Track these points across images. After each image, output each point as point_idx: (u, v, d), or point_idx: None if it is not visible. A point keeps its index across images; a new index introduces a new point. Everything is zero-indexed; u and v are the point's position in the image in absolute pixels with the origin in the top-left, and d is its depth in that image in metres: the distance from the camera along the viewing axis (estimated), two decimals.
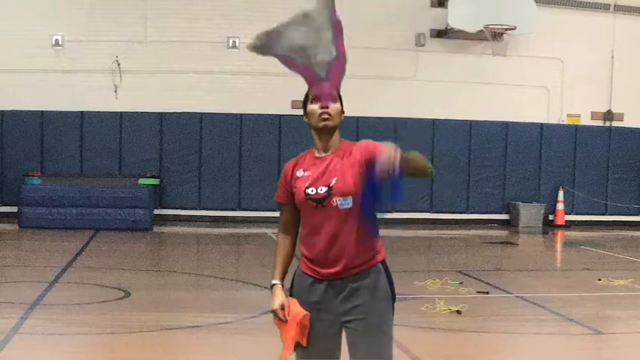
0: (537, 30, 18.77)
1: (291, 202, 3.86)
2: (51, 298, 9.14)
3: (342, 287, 3.76)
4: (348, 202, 3.71)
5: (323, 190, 3.73)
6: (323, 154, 3.82)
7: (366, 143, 3.76)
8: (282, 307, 3.79)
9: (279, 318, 3.79)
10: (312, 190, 3.75)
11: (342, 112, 3.87)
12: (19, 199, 16.92)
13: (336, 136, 3.84)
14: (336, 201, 3.72)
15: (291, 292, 3.90)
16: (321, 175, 3.76)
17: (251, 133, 19.10)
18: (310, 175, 3.78)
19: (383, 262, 3.84)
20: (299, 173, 3.82)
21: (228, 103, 19.01)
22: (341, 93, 3.92)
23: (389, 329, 3.82)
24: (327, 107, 3.78)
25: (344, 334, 3.85)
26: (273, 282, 3.87)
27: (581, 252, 15.44)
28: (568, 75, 20.35)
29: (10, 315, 7.99)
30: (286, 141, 18.90)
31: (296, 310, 3.80)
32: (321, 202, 3.73)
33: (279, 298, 3.82)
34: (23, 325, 7.63)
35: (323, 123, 3.78)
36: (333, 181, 3.72)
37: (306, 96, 3.87)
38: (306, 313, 3.77)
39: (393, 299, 3.86)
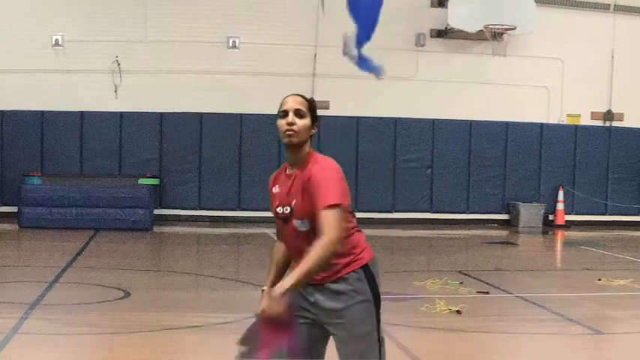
0: (537, 30, 18.77)
1: None
2: (51, 298, 9.14)
3: (323, 291, 3.82)
4: (305, 225, 3.78)
5: (287, 210, 3.85)
6: (291, 170, 3.89)
7: (313, 175, 3.71)
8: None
9: (262, 322, 3.80)
10: (280, 209, 3.89)
11: (313, 127, 3.85)
12: (19, 199, 16.92)
13: (304, 150, 3.84)
14: (295, 223, 3.82)
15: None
16: (286, 194, 3.86)
17: (251, 133, 19.10)
18: (280, 193, 3.91)
19: (365, 266, 3.83)
20: (274, 189, 3.96)
21: (228, 103, 19.01)
22: (315, 106, 3.94)
23: (372, 332, 3.82)
24: (294, 124, 3.80)
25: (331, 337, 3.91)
26: (263, 287, 3.96)
27: (581, 252, 15.44)
28: (568, 75, 20.35)
29: (10, 315, 7.99)
30: None
31: (282, 321, 3.78)
32: (286, 221, 3.87)
33: (263, 302, 3.82)
34: (23, 325, 7.63)
35: (287, 139, 3.82)
36: (293, 203, 3.82)
37: (279, 109, 3.93)
38: (294, 324, 3.76)
39: (377, 302, 3.85)
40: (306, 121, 3.83)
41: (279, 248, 4.07)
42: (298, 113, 3.81)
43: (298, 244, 3.81)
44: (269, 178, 4.06)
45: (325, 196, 3.64)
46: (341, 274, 3.79)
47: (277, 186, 3.93)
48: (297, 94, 3.92)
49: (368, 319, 3.81)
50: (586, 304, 9.66)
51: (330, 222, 3.60)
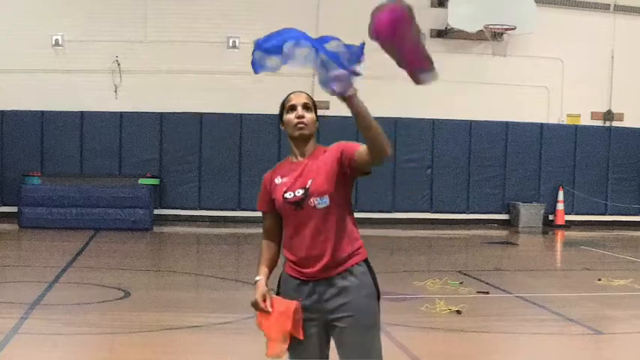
0: (537, 30, 18.76)
1: (273, 210, 4.03)
2: (51, 298, 9.14)
3: (328, 286, 3.83)
4: (325, 201, 3.83)
5: (300, 192, 3.87)
6: (298, 160, 3.97)
7: (341, 142, 3.91)
8: (264, 299, 3.87)
9: (262, 309, 3.85)
10: (290, 195, 3.89)
11: (317, 120, 4.01)
12: (19, 199, 16.92)
13: (312, 142, 3.98)
14: (314, 201, 3.84)
15: (277, 294, 3.97)
16: (298, 177, 3.90)
17: (251, 133, 19.11)
18: (287, 181, 3.93)
19: (366, 260, 3.92)
20: (277, 180, 3.99)
21: (228, 103, 19.01)
22: (316, 103, 4.07)
23: (376, 326, 3.90)
24: (303, 117, 3.93)
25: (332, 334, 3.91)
26: (257, 278, 3.97)
27: (581, 252, 15.45)
28: (568, 75, 20.34)
29: (10, 315, 7.99)
30: (286, 141, 18.58)
31: (284, 303, 3.86)
32: (299, 204, 3.86)
33: (260, 290, 3.89)
34: (23, 325, 7.63)
35: (299, 132, 3.93)
36: (309, 183, 3.86)
37: (282, 106, 4.04)
38: (298, 302, 3.82)
39: (378, 296, 3.92)
40: (312, 115, 3.99)
41: (269, 247, 4.09)
42: (306, 107, 3.97)
43: (315, 225, 3.82)
44: (263, 178, 4.10)
45: (355, 144, 3.82)
46: (346, 266, 3.83)
47: (279, 177, 3.98)
48: (301, 91, 4.08)
49: (373, 313, 3.87)
50: (586, 304, 9.66)
51: None
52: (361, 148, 3.72)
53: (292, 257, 3.92)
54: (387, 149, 3.64)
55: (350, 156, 3.76)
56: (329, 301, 3.83)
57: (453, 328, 8.13)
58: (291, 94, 4.07)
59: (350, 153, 3.77)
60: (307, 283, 3.87)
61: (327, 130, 18.48)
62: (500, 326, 8.51)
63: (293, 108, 3.97)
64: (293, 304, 3.81)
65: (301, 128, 3.93)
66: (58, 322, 7.91)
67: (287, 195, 3.89)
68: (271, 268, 4.05)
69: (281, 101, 4.08)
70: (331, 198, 3.82)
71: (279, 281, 4.00)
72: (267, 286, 3.93)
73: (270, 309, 3.84)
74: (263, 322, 3.88)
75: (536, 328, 8.32)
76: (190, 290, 10.64)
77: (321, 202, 3.83)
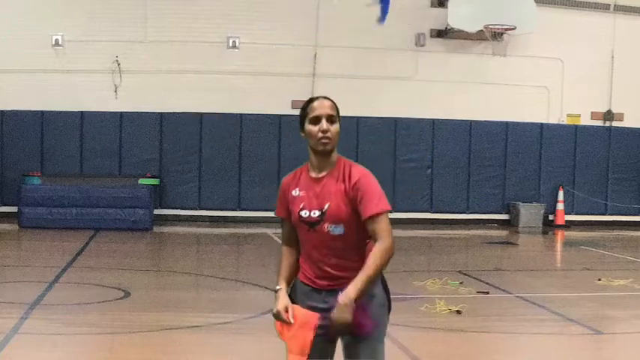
0: (537, 30, 18.77)
1: (290, 217, 3.90)
2: (51, 298, 9.14)
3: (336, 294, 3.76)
4: (339, 229, 3.74)
5: (316, 214, 3.76)
6: (319, 174, 3.80)
7: (364, 185, 3.69)
8: (287, 310, 3.80)
9: (283, 320, 3.79)
10: (305, 213, 3.78)
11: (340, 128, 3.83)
12: (19, 199, 16.92)
13: (334, 154, 3.81)
14: (328, 227, 3.75)
15: (291, 299, 3.93)
16: (315, 197, 3.77)
17: (251, 133, 19.11)
18: (304, 196, 3.80)
19: None
20: (294, 192, 3.84)
21: (228, 103, 19.01)
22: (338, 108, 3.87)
23: (382, 335, 3.85)
24: (328, 131, 3.72)
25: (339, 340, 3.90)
26: (278, 287, 3.89)
27: (581, 252, 15.44)
28: (568, 75, 20.35)
29: (10, 315, 7.99)
30: (286, 141, 18.90)
31: (306, 315, 3.81)
32: (314, 225, 3.77)
33: (282, 300, 3.83)
34: (23, 325, 7.63)
35: (322, 147, 3.74)
36: (326, 207, 3.74)
37: (304, 113, 3.80)
38: (319, 316, 3.78)
39: (389, 307, 3.89)
40: (337, 126, 3.77)
41: (289, 252, 3.98)
42: (330, 119, 3.74)
43: (328, 247, 3.77)
44: (281, 182, 3.95)
45: (378, 202, 3.66)
46: None
47: (298, 189, 3.83)
48: (325, 98, 3.81)
49: (381, 323, 3.83)
50: (586, 304, 9.66)
51: (385, 227, 3.64)
52: (373, 227, 3.64)
53: (305, 267, 3.88)
54: (389, 258, 3.65)
55: (362, 217, 3.66)
56: (333, 309, 3.73)
57: (453, 328, 8.13)
58: (314, 100, 3.80)
59: (364, 215, 3.65)
60: (320, 291, 3.83)
61: None
62: (500, 326, 8.50)
63: (317, 120, 3.73)
64: (315, 318, 3.77)
65: (325, 144, 3.73)
66: (58, 322, 7.90)
67: (302, 213, 3.78)
68: (292, 275, 3.96)
69: (302, 105, 3.86)
70: (346, 226, 3.73)
71: (292, 285, 3.97)
72: (288, 295, 3.87)
73: (292, 320, 3.78)
74: (285, 333, 3.82)
75: (536, 328, 8.32)
76: (190, 290, 10.64)
77: (336, 230, 3.74)
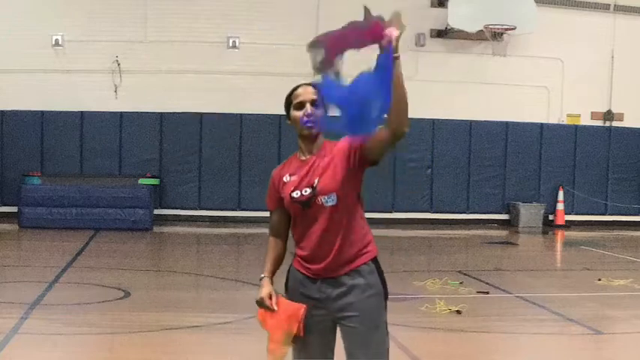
0: (537, 30, 18.77)
1: (281, 207, 3.94)
2: (51, 298, 9.14)
3: (335, 286, 3.81)
4: (332, 199, 3.79)
5: (307, 191, 3.81)
6: (306, 157, 3.89)
7: (350, 138, 3.78)
8: (270, 297, 3.87)
9: (266, 307, 3.84)
10: (297, 194, 3.83)
11: (325, 113, 3.86)
12: (19, 199, 16.92)
13: (320, 138, 3.90)
14: (321, 200, 3.79)
15: (286, 287, 3.97)
16: (305, 176, 3.84)
17: (251, 133, 19.11)
18: (295, 180, 3.86)
19: (374, 259, 3.88)
20: (285, 179, 3.90)
21: (228, 103, 19.01)
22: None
23: (383, 325, 3.86)
24: (312, 115, 3.82)
25: (338, 332, 3.90)
26: (261, 275, 3.98)
27: (581, 252, 15.45)
28: (568, 75, 20.35)
29: (10, 315, 7.99)
30: (286, 141, 18.89)
31: (292, 305, 3.83)
32: (307, 203, 3.81)
33: (266, 287, 3.91)
34: (23, 325, 7.63)
35: (308, 131, 3.84)
36: (316, 181, 3.80)
37: (289, 100, 3.91)
38: (305, 307, 3.80)
39: (386, 296, 3.89)
40: (321, 111, 3.85)
41: (276, 243, 4.03)
42: (314, 103, 3.83)
43: (320, 224, 3.79)
44: (271, 175, 4.00)
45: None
46: (353, 266, 3.80)
47: (288, 175, 3.90)
48: (307, 84, 3.90)
49: (380, 312, 3.84)
50: (586, 304, 9.66)
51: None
52: (374, 138, 3.67)
53: (300, 253, 3.91)
54: (407, 124, 3.76)
55: (360, 144, 3.70)
56: (336, 300, 3.80)
57: (453, 328, 8.13)
58: (297, 87, 3.93)
59: (360, 141, 3.70)
60: (315, 280, 3.85)
61: None
62: (500, 326, 8.50)
63: (301, 105, 3.85)
64: (302, 309, 3.79)
65: (310, 127, 3.83)
66: (58, 322, 7.90)
67: (294, 194, 3.84)
68: (277, 265, 4.03)
69: (287, 94, 3.96)
70: (339, 196, 3.78)
71: (287, 273, 3.99)
72: (272, 284, 3.93)
73: (275, 307, 3.83)
74: (267, 321, 3.86)
75: (536, 328, 8.32)
76: (190, 290, 10.64)
77: (329, 200, 3.78)
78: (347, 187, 3.79)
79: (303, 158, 3.91)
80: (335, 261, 3.79)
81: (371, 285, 3.82)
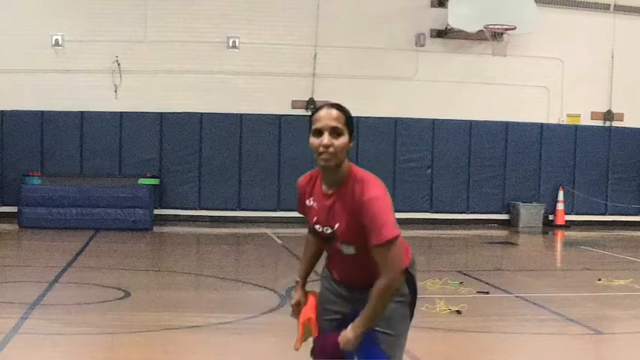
0: (537, 30, 18.77)
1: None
2: (51, 298, 9.13)
3: (364, 293, 3.62)
4: (350, 250, 3.62)
5: (328, 230, 3.62)
6: (328, 191, 3.60)
7: (365, 204, 3.43)
8: (298, 305, 3.93)
9: (295, 314, 4.00)
10: (319, 228, 3.67)
11: (350, 141, 3.51)
12: (19, 199, 16.92)
13: (343, 168, 3.52)
14: (339, 246, 3.64)
15: (321, 280, 4.00)
16: (326, 214, 3.60)
17: (251, 133, 19.11)
18: (317, 210, 3.65)
19: (405, 270, 3.66)
20: (308, 202, 3.69)
21: (228, 103, 19.02)
22: (351, 118, 3.60)
23: (404, 333, 3.78)
24: (330, 146, 3.43)
25: None
26: (297, 279, 4.02)
27: (581, 252, 15.44)
28: (568, 75, 20.35)
29: (10, 315, 7.98)
30: (286, 141, 18.91)
31: (308, 308, 3.95)
32: (327, 240, 3.68)
33: (297, 294, 3.97)
34: (23, 325, 7.63)
35: (324, 163, 3.48)
36: (336, 226, 3.58)
37: (310, 120, 3.56)
38: (311, 317, 3.91)
39: (412, 304, 3.78)
40: (343, 140, 3.46)
41: (314, 242, 3.91)
42: (335, 132, 3.44)
43: (343, 262, 3.72)
44: (298, 182, 3.79)
45: (381, 232, 3.39)
46: None
47: (312, 199, 3.66)
48: (332, 106, 3.52)
49: (402, 319, 3.73)
50: (586, 304, 9.65)
51: (390, 258, 3.42)
52: (377, 257, 3.45)
53: (327, 261, 3.90)
54: (397, 283, 3.54)
55: (370, 243, 3.45)
56: (359, 301, 3.64)
57: (453, 328, 8.13)
58: (321, 109, 3.52)
59: (369, 243, 3.44)
60: (340, 283, 3.82)
61: None
62: (500, 326, 8.50)
63: (319, 133, 3.44)
64: (307, 315, 3.91)
65: (327, 160, 3.44)
66: (58, 322, 7.90)
67: (317, 227, 3.67)
68: (313, 264, 4.01)
69: (310, 113, 3.61)
70: (358, 247, 3.57)
71: (323, 270, 4.00)
72: (304, 288, 3.97)
73: (299, 316, 3.97)
74: (299, 320, 4.01)
75: (536, 328, 8.32)
76: (190, 290, 10.64)
77: (347, 250, 3.62)
78: (366, 239, 3.48)
79: (324, 190, 3.61)
80: (360, 282, 3.66)
81: (399, 294, 3.67)
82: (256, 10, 19.16)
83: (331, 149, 3.43)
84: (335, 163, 3.46)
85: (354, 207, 3.46)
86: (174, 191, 18.94)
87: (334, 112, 3.49)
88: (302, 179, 3.75)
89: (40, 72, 18.41)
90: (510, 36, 18.59)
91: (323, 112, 3.49)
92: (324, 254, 3.95)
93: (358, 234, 3.48)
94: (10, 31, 18.13)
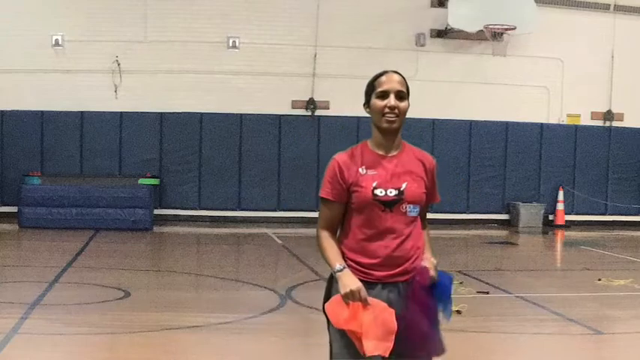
0: (537, 30, 18.77)
1: (343, 200, 3.60)
2: (51, 298, 9.14)
3: (394, 292, 3.61)
4: (416, 210, 3.65)
5: (392, 193, 3.56)
6: (388, 154, 3.62)
7: (435, 167, 3.80)
8: (360, 289, 3.49)
9: (359, 300, 3.45)
10: (381, 192, 3.55)
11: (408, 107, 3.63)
12: (19, 199, 16.92)
13: (400, 134, 3.67)
14: (406, 207, 3.60)
15: (328, 294, 3.64)
16: (390, 176, 3.58)
17: (251, 133, 19.11)
18: (377, 175, 3.57)
19: None
20: (362, 170, 3.57)
21: (228, 103, 19.01)
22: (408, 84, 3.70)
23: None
24: (396, 108, 3.56)
25: None
26: (339, 266, 3.53)
27: (581, 252, 15.44)
28: (568, 75, 20.34)
29: (10, 315, 7.98)
30: (286, 141, 18.91)
31: (380, 302, 3.56)
32: (390, 205, 3.57)
33: (353, 278, 3.50)
34: (23, 325, 7.63)
35: (387, 125, 3.58)
36: (404, 186, 3.59)
37: (371, 86, 3.61)
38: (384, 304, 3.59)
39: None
40: (406, 104, 3.62)
41: (330, 236, 3.64)
42: (399, 95, 3.58)
43: (401, 229, 3.59)
44: (334, 161, 3.61)
45: (437, 193, 3.89)
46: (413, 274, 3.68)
47: (364, 167, 3.56)
48: (395, 72, 3.62)
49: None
50: (586, 304, 9.66)
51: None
52: (426, 212, 3.87)
53: (365, 260, 3.58)
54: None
55: (430, 200, 3.83)
56: (393, 305, 3.57)
57: (453, 328, 8.10)
58: (383, 74, 3.60)
59: (433, 200, 3.87)
60: (374, 285, 3.57)
61: (327, 130, 18.59)
62: (500, 326, 8.50)
63: (385, 95, 3.54)
64: (386, 306, 3.55)
65: (392, 121, 3.55)
66: (58, 322, 7.90)
67: (377, 192, 3.53)
68: (342, 252, 3.64)
69: (371, 78, 3.64)
70: (420, 207, 3.69)
71: (331, 280, 3.67)
72: (328, 287, 3.64)
73: (369, 302, 3.47)
74: (359, 317, 3.44)
75: (536, 328, 8.32)
76: (190, 290, 10.64)
77: (413, 211, 3.61)
78: (425, 202, 3.75)
79: (382, 153, 3.62)
80: (406, 267, 3.61)
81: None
82: (256, 10, 19.16)
83: (396, 110, 3.57)
84: (398, 125, 3.60)
85: (424, 169, 3.70)
86: (174, 191, 18.94)
87: (398, 76, 3.62)
88: (342, 155, 3.63)
89: (40, 72, 18.41)
90: (510, 36, 18.59)
91: (386, 77, 3.60)
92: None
93: (423, 194, 3.69)
94: (10, 31, 18.13)
